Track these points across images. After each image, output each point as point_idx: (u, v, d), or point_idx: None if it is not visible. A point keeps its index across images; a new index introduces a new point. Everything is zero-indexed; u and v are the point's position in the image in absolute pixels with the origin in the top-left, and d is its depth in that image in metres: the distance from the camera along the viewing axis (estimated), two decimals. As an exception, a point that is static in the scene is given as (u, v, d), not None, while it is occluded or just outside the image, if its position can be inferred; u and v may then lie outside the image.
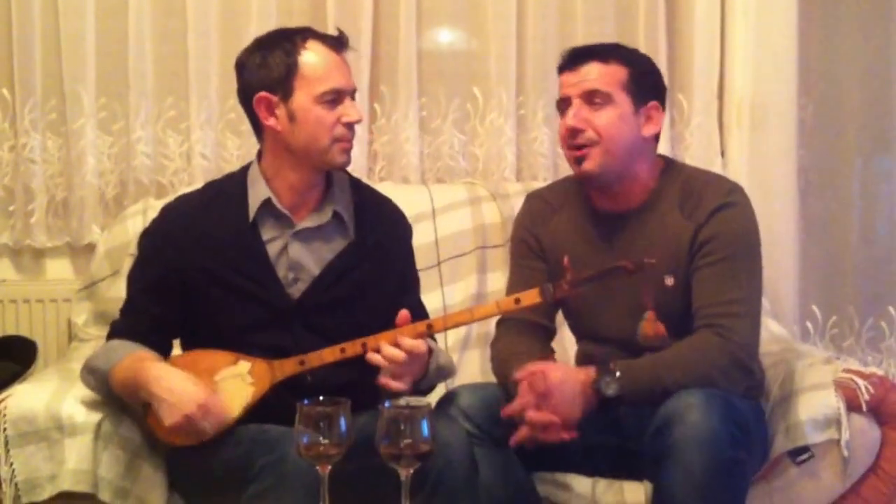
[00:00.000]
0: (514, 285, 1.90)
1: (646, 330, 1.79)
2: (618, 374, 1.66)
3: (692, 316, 1.76)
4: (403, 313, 1.65)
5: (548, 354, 1.89)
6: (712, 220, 1.76)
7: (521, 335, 1.88)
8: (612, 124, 1.77)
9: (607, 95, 1.77)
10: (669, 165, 1.88)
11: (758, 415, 1.78)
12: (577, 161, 1.79)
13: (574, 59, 1.81)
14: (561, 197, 1.93)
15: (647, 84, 1.82)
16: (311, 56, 1.71)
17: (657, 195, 1.82)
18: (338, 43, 1.74)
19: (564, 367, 1.74)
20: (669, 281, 1.78)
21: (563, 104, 1.81)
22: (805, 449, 1.76)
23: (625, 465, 1.79)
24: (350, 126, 1.73)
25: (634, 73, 1.80)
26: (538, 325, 1.90)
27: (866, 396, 1.77)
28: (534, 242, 1.91)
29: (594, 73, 1.78)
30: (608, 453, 1.79)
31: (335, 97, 1.71)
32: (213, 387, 1.66)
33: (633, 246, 1.79)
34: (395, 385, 1.63)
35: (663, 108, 1.85)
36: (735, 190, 1.81)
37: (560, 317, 1.97)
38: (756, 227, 1.81)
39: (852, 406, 1.77)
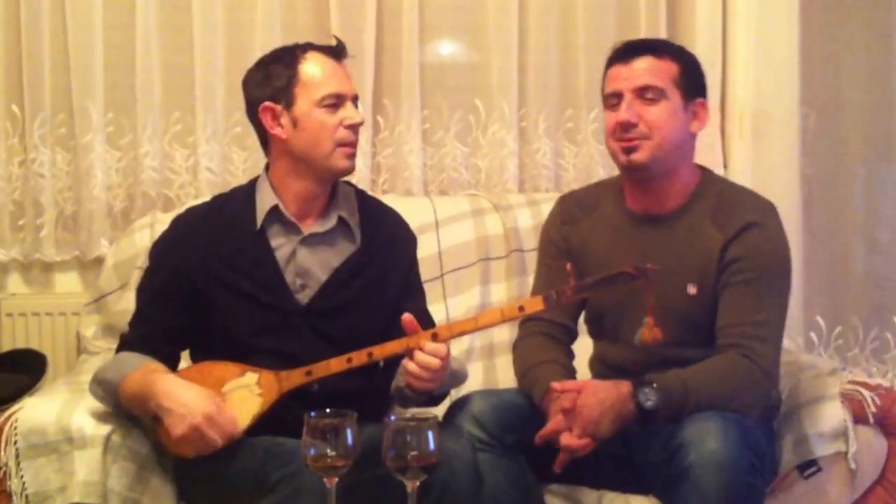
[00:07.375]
0: (540, 285, 1.89)
1: (644, 336, 1.76)
2: (654, 384, 1.65)
3: (715, 330, 1.75)
4: (407, 317, 1.64)
5: (569, 359, 1.88)
6: (742, 236, 1.75)
7: (544, 337, 1.87)
8: (665, 119, 1.76)
9: (660, 90, 1.76)
10: (707, 175, 1.87)
11: (770, 436, 1.77)
12: (627, 151, 1.77)
13: (626, 52, 1.79)
14: (595, 198, 1.91)
15: (695, 80, 1.81)
16: (310, 65, 1.75)
17: (693, 201, 1.81)
18: (335, 52, 1.78)
19: (599, 385, 1.71)
20: (692, 290, 1.76)
21: (614, 98, 1.79)
22: (813, 462, 1.75)
23: (632, 478, 1.79)
24: (353, 129, 1.75)
25: (685, 69, 1.79)
26: (561, 326, 1.89)
27: (872, 408, 1.76)
28: (562, 243, 1.90)
29: (647, 68, 1.76)
30: (615, 466, 1.79)
31: (335, 101, 1.74)
32: (221, 398, 1.67)
33: (664, 250, 1.78)
34: (422, 385, 1.63)
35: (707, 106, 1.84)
36: (769, 210, 1.80)
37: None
38: (787, 249, 1.79)
39: (859, 418, 1.76)
